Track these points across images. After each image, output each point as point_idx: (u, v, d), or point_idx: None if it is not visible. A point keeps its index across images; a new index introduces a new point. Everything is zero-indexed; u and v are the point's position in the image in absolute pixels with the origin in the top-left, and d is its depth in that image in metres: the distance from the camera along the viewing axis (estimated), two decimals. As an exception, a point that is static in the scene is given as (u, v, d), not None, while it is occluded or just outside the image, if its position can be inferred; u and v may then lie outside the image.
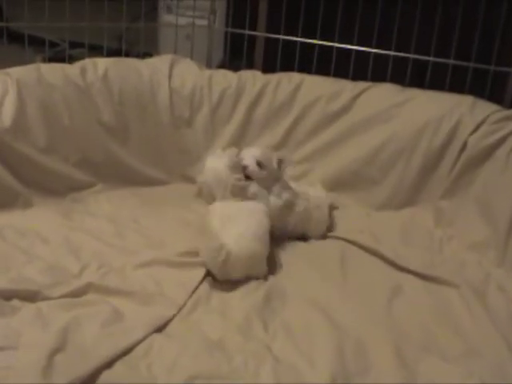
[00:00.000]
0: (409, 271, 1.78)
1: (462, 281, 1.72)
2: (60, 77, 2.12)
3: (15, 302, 1.51)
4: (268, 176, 1.88)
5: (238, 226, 1.70)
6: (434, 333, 1.55)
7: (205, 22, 2.71)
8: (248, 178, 1.87)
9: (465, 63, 2.28)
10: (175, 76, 2.29)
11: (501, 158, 1.97)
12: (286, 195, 1.89)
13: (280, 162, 1.90)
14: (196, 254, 1.74)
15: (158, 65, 2.30)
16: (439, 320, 1.59)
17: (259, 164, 1.87)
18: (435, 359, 1.45)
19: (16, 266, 1.64)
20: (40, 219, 1.90)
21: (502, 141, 2.00)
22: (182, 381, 1.34)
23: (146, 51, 2.73)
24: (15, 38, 2.50)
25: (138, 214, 2.01)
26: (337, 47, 2.41)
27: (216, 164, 2.05)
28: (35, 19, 2.43)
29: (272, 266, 1.75)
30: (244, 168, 1.87)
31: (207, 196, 2.07)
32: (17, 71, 2.08)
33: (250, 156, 1.89)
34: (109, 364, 1.35)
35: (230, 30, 2.66)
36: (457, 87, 2.24)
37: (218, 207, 1.80)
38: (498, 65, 2.24)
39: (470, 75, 2.27)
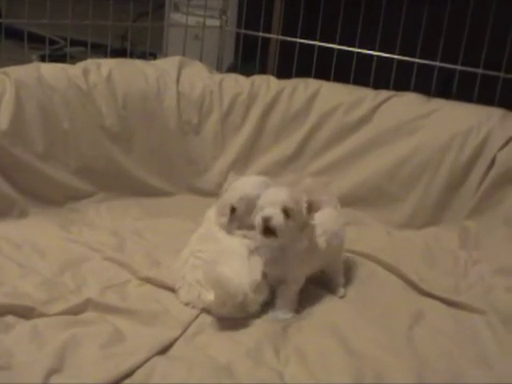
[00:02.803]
0: (432, 296, 1.79)
1: (488, 307, 1.72)
2: (61, 78, 2.15)
3: (9, 319, 1.52)
4: (293, 229, 1.58)
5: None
6: (458, 362, 1.55)
7: (214, 22, 2.75)
8: (269, 232, 1.57)
9: (495, 73, 2.30)
10: (184, 79, 2.31)
11: (533, 176, 1.99)
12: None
13: (310, 206, 1.61)
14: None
15: (165, 67, 2.33)
16: (464, 349, 1.60)
17: (286, 212, 1.56)
18: (460, 391, 1.46)
19: (11, 280, 1.66)
20: (36, 230, 1.92)
21: (534, 157, 2.02)
22: (187, 407, 1.35)
23: (150, 51, 2.77)
24: (8, 34, 2.53)
25: (141, 226, 2.03)
26: (357, 52, 2.44)
27: (249, 191, 1.75)
28: (33, 16, 2.47)
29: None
30: (266, 220, 1.56)
31: (230, 226, 1.77)
32: (15, 70, 2.11)
33: (273, 201, 1.57)
34: (109, 388, 1.36)
35: (242, 31, 2.69)
36: (486, 98, 2.26)
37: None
38: (531, 75, 2.26)
39: (499, 86, 2.28)
